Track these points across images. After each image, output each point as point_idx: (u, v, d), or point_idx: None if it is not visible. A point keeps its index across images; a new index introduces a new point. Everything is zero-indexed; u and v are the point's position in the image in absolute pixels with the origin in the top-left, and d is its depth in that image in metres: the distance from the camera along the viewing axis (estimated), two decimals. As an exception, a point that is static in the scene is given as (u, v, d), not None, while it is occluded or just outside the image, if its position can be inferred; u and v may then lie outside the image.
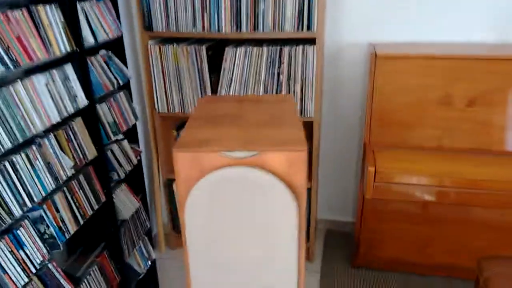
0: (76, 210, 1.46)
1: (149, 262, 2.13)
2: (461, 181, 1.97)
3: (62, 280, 1.38)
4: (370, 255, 2.53)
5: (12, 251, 1.17)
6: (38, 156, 1.27)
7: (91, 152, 1.54)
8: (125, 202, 1.85)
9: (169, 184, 2.57)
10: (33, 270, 1.22)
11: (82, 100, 1.48)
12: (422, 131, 2.18)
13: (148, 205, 2.14)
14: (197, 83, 2.30)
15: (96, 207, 1.58)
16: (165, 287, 2.44)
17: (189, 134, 1.07)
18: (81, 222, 1.48)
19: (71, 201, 1.44)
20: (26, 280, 1.20)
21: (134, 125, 1.98)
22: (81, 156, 1.48)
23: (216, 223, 1.00)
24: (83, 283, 1.56)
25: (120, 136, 1.92)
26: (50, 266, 1.34)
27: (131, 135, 1.97)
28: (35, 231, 1.25)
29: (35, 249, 1.24)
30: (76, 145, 1.46)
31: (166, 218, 2.72)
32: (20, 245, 1.19)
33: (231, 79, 2.22)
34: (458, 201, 2.00)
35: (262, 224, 0.98)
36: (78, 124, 1.49)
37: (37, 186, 1.25)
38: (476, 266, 1.78)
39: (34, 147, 1.26)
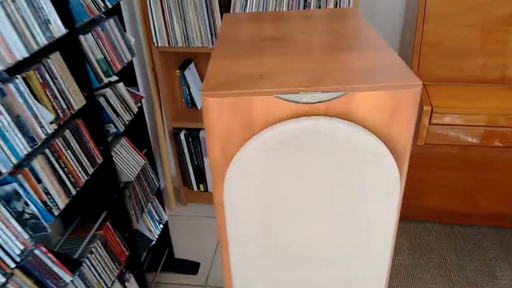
0: (65, 178, 1.12)
1: (161, 226, 1.83)
2: (538, 119, 1.61)
3: (55, 267, 1.07)
4: (411, 205, 2.24)
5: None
6: (1, 109, 0.90)
7: (77, 100, 1.16)
8: (128, 160, 1.51)
9: (175, 133, 2.21)
10: (11, 265, 0.91)
11: (58, 28, 1.07)
12: (483, 60, 1.79)
13: (155, 161, 1.80)
14: (203, 9, 1.86)
15: (91, 170, 1.23)
16: (180, 248, 2.18)
17: (223, 67, 0.69)
18: (73, 192, 1.14)
19: (57, 166, 1.09)
20: (3, 280, 0.88)
21: (131, 64, 1.58)
22: (64, 105, 1.11)
23: (274, 203, 0.65)
24: (85, 265, 1.26)
25: (114, 78, 1.53)
26: (37, 251, 1.03)
27: (127, 76, 1.58)
28: (9, 212, 0.92)
29: (11, 236, 0.92)
30: (56, 91, 1.08)
31: (174, 172, 2.39)
32: (-11, 232, 0.87)
33: (247, 0, 1.78)
34: (533, 144, 1.66)
35: (347, 200, 0.64)
36: (56, 62, 1.10)
37: (4, 151, 0.90)
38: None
39: (-7, 96, 0.89)
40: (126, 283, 1.50)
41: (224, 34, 0.84)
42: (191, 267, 2.07)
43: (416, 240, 2.17)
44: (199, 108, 2.28)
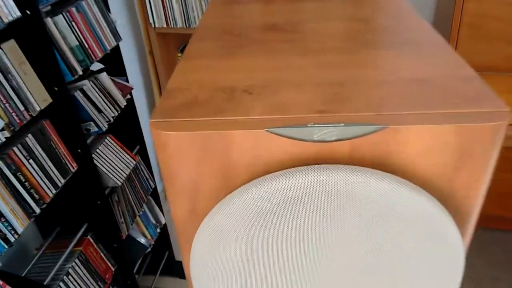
0: (25, 194, 0.92)
1: (158, 230, 1.65)
2: None
3: (14, 303, 0.89)
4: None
5: None
6: None
7: (40, 99, 0.95)
8: (114, 162, 1.31)
9: (177, 124, 1.99)
10: None
11: (12, 10, 0.85)
12: (536, 44, 1.50)
13: (149, 159, 1.59)
14: (205, -16, 1.60)
15: (61, 182, 1.03)
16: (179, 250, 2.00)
17: (193, 74, 0.46)
18: (37, 211, 0.95)
19: (15, 181, 0.90)
20: None
21: (117, 50, 1.35)
22: (21, 107, 0.90)
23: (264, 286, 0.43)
24: (58, 288, 1.08)
25: (96, 66, 1.32)
26: (-11, 287, 0.85)
27: (113, 64, 1.36)
28: None
29: None
30: (9, 89, 0.87)
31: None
32: None
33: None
34: None
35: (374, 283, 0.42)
36: (9, 53, 0.88)
37: None
38: None
39: None
40: (113, 301, 1.33)
41: (208, 19, 0.61)
42: (192, 271, 1.90)
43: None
44: (203, 95, 2.05)
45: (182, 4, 1.67)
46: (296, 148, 0.37)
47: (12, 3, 0.86)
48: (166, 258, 1.85)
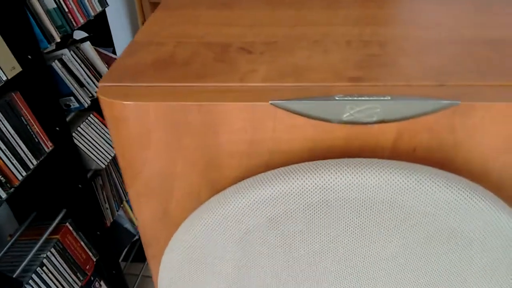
0: (-12, 176, 0.80)
1: (147, 216, 1.53)
2: None
3: (-26, 299, 0.78)
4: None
5: None
6: None
7: (6, 67, 0.82)
8: (98, 142, 1.18)
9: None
10: None
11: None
12: None
13: (139, 140, 1.46)
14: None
15: (33, 163, 0.91)
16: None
17: (171, 24, 0.33)
18: (3, 196, 0.82)
19: (-25, 161, 0.78)
20: None
21: (103, 16, 1.21)
22: (-18, 75, 0.77)
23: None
24: (32, 282, 0.97)
25: (80, 35, 1.18)
26: None
27: (99, 33, 1.22)
28: None
29: None
30: (-33, 53, 0.74)
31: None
32: None
33: None
34: None
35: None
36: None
37: None
38: None
39: None
40: (95, 293, 1.22)
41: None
42: (184, 260, 1.79)
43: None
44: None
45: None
46: (315, 132, 0.25)
47: (-29, -49, 0.72)
48: (156, 245, 1.75)
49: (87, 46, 1.11)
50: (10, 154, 0.85)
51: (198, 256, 0.27)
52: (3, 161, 0.83)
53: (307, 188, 0.23)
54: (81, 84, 1.07)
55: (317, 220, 0.25)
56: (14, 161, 0.85)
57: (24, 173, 0.87)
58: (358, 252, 0.26)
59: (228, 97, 0.25)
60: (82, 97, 1.07)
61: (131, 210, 1.49)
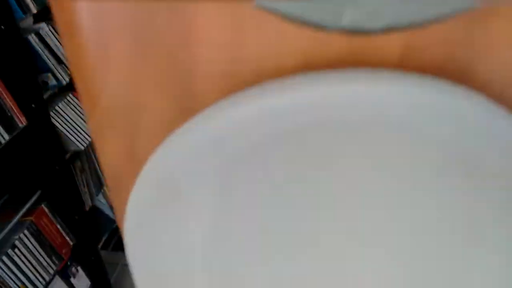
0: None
1: (128, 203, 1.47)
2: None
3: None
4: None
5: None
6: None
7: (-24, 33, 0.76)
8: (77, 122, 1.12)
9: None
10: None
11: None
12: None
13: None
14: None
15: (5, 138, 0.84)
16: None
17: None
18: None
19: None
20: None
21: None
22: None
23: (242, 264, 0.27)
24: (1, 263, 0.90)
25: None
26: None
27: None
28: None
29: None
30: None
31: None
32: None
33: None
34: None
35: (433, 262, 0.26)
36: None
37: None
38: None
39: None
40: (71, 279, 1.15)
41: None
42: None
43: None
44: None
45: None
46: (308, 44, 0.21)
47: None
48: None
49: (67, 22, 1.05)
50: (-21, 127, 0.78)
51: (169, 194, 0.22)
52: (-29, 133, 0.76)
53: (301, 103, 0.19)
54: (59, 61, 1.01)
55: (310, 147, 0.20)
56: (-16, 135, 0.79)
57: (7, 136, 0.80)
58: (358, 194, 0.22)
59: (205, -3, 0.20)
60: (60, 74, 1.00)
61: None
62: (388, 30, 0.20)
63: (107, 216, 1.40)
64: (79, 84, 0.23)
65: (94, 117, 0.24)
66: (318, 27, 0.20)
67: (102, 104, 0.23)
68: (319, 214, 0.22)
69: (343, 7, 0.19)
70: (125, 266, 1.67)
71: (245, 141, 0.20)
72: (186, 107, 0.23)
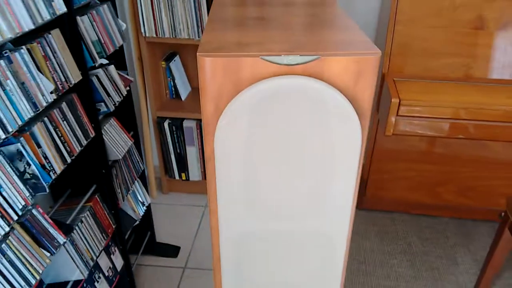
0: (61, 146, 1.20)
1: (144, 208, 1.92)
2: (494, 113, 1.80)
3: (50, 228, 1.15)
4: (378, 196, 2.41)
5: (-16, 194, 0.93)
6: (9, 74, 0.99)
7: (74, 75, 1.26)
8: (116, 139, 1.60)
9: (159, 122, 2.31)
10: (14, 217, 0.99)
11: (60, 6, 1.17)
12: (449, 60, 1.97)
13: (140, 145, 1.89)
14: (190, 2, 1.97)
15: (84, 142, 1.32)
16: (161, 234, 2.27)
17: (215, 37, 0.80)
18: (68, 160, 1.23)
19: (54, 134, 1.18)
20: (7, 229, 0.97)
21: (121, 48, 1.68)
22: (62, 78, 1.20)
23: (257, 154, 0.77)
24: (75, 231, 1.35)
25: (105, 61, 1.63)
26: (34, 212, 1.11)
27: (118, 60, 1.68)
28: (12, 170, 1.00)
29: (14, 192, 1.00)
30: (55, 64, 1.17)
31: (157, 161, 2.48)
32: (-6, 186, 0.95)
33: (234, -3, 1.91)
34: (489, 136, 1.84)
35: (316, 153, 0.77)
36: (56, 38, 1.19)
37: (11, 112, 0.98)
38: (506, 204, 1.66)
39: (2, 62, 0.97)
40: (111, 256, 1.58)
41: (214, 14, 0.97)
42: (171, 251, 2.16)
43: (384, 228, 2.33)
44: (183, 99, 2.38)
45: (170, 17, 2.02)
46: (275, 68, 0.73)
47: (61, 1, 1.17)
48: (148, 238, 2.11)
49: (112, 69, 1.56)
50: (71, 134, 1.26)
51: (233, 118, 0.73)
52: (68, 137, 1.24)
53: (274, 85, 0.71)
54: (108, 94, 1.51)
55: (279, 99, 0.72)
56: (74, 139, 1.27)
57: (79, 148, 1.28)
58: (292, 119, 0.74)
59: (244, 56, 0.72)
60: (109, 104, 1.50)
61: (133, 201, 1.88)
62: (297, 64, 0.73)
63: (129, 215, 1.84)
64: (201, 84, 0.75)
65: (205, 99, 0.75)
66: (277, 64, 0.73)
67: (209, 93, 0.75)
68: (283, 145, 0.74)
69: (284, 59, 0.72)
70: (138, 265, 2.08)
71: (258, 97, 0.72)
72: (238, 89, 0.75)
